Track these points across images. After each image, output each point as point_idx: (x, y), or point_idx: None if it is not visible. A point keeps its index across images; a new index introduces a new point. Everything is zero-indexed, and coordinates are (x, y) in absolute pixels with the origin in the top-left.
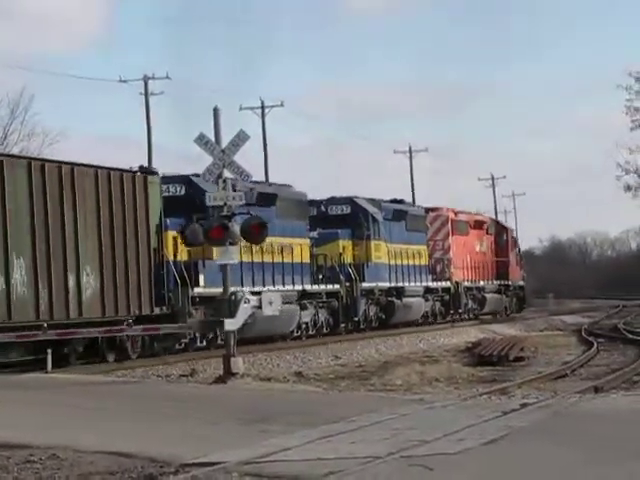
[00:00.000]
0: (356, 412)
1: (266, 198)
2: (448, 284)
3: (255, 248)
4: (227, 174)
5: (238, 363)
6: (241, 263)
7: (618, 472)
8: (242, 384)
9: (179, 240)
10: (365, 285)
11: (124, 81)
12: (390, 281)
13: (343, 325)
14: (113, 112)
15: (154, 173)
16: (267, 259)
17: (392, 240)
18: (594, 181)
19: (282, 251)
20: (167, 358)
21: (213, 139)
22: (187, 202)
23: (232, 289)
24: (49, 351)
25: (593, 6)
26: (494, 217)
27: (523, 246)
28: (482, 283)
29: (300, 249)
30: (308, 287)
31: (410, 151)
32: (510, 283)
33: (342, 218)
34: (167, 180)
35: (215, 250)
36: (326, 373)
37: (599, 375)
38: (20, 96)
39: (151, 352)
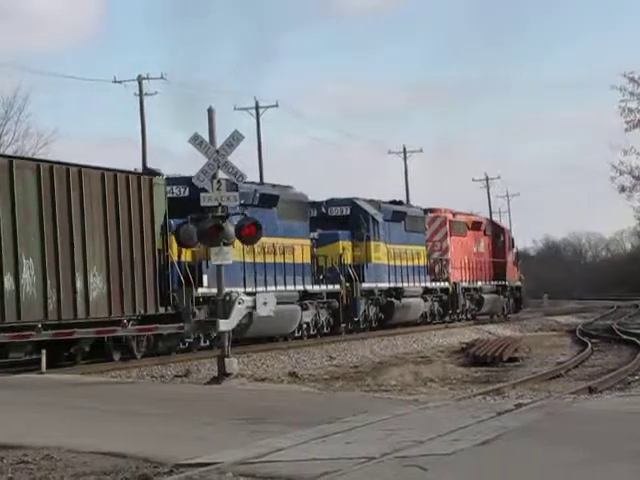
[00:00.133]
0: (350, 412)
1: (268, 199)
2: (446, 284)
3: (257, 249)
4: (222, 175)
5: (232, 364)
6: (244, 263)
7: (612, 472)
8: (236, 384)
9: None
10: (365, 285)
11: (119, 82)
12: (389, 282)
13: (343, 325)
14: (109, 112)
15: (159, 174)
16: (269, 259)
17: (391, 241)
18: (588, 182)
19: (284, 252)
20: (163, 358)
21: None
22: (191, 203)
23: (227, 289)
24: (43, 351)
25: (592, 7)
26: (489, 218)
27: (517, 247)
28: (480, 284)
29: (301, 250)
30: (309, 287)
31: (404, 152)
32: (507, 284)
33: (342, 219)
34: (171, 181)
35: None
36: (320, 374)
37: (593, 376)
38: (14, 96)
39: (156, 352)
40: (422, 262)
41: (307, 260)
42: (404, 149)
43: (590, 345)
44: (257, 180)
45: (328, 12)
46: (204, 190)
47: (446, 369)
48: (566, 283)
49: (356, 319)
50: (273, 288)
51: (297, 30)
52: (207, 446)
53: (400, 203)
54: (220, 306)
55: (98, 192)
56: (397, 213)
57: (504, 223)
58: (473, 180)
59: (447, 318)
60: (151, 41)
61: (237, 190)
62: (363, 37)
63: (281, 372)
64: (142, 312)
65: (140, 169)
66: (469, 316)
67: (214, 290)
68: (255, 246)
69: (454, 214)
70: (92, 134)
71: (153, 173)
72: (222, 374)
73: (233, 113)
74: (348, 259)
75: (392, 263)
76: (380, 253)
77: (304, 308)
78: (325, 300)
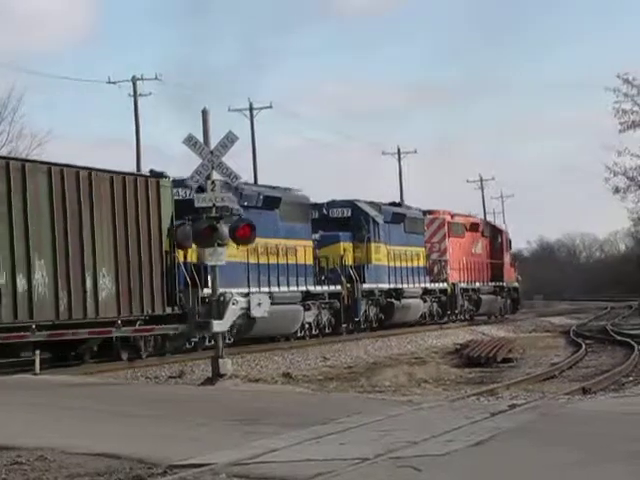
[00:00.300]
0: (344, 413)
1: (271, 201)
2: (445, 285)
3: (261, 249)
4: (216, 176)
5: (226, 365)
6: (247, 264)
7: (607, 473)
8: (230, 385)
9: None
10: (366, 286)
11: (113, 82)
12: (390, 282)
13: (344, 325)
14: (103, 113)
15: (165, 177)
16: (272, 260)
17: (391, 242)
18: (587, 182)
19: (286, 253)
20: (158, 359)
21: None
22: None
23: (221, 290)
24: (37, 352)
25: (592, 7)
26: (486, 219)
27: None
28: (478, 284)
29: (304, 251)
30: (311, 288)
31: (399, 153)
32: (505, 284)
33: (343, 221)
34: (177, 184)
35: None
36: (314, 374)
37: (587, 376)
38: (8, 97)
39: (162, 352)
40: (421, 263)
41: (309, 261)
42: (398, 150)
43: (584, 346)
44: (251, 181)
45: (328, 12)
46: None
47: (440, 370)
48: (560, 284)
49: (357, 319)
50: (276, 289)
51: (297, 30)
52: (201, 447)
53: (400, 205)
54: (214, 307)
55: (107, 194)
56: (397, 215)
57: (502, 224)
58: (467, 181)
59: (446, 319)
60: (147, 41)
61: (241, 192)
62: (363, 37)
63: (275, 373)
64: (149, 312)
65: (135, 170)
66: (467, 317)
67: (228, 290)
68: (259, 247)
69: (452, 216)
70: (86, 135)
71: (159, 175)
72: (216, 375)
73: (233, 114)
74: (349, 260)
75: (392, 264)
76: (380, 254)
77: (306, 308)
78: (327, 300)
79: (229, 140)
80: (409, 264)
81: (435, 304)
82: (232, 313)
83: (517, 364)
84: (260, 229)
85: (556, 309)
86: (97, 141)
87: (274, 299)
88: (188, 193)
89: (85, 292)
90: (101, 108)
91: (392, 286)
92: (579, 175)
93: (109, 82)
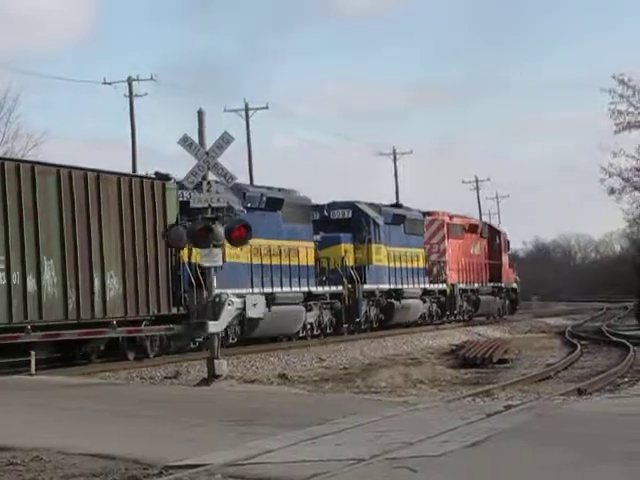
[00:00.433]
0: (340, 414)
1: (274, 203)
2: (444, 286)
3: (264, 251)
4: (211, 176)
5: (222, 365)
6: (251, 265)
7: (602, 474)
8: (226, 386)
9: None
10: (366, 287)
11: (108, 83)
12: (390, 283)
13: (346, 326)
14: (99, 113)
15: (170, 179)
16: (275, 261)
17: (392, 243)
18: (578, 183)
19: (289, 254)
20: (153, 360)
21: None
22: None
23: (224, 291)
24: (32, 353)
25: (592, 7)
26: (480, 219)
27: None
28: (476, 285)
29: (306, 252)
30: (313, 289)
31: (394, 153)
32: (503, 285)
33: (344, 222)
34: (182, 186)
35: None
36: (310, 375)
37: (583, 377)
38: (4, 97)
39: (168, 351)
40: (421, 264)
41: (311, 262)
42: (394, 151)
43: (579, 347)
44: (247, 182)
45: (328, 12)
46: None
47: (436, 371)
48: (555, 285)
49: (358, 320)
50: (279, 289)
51: (297, 30)
52: (196, 447)
53: (400, 206)
54: (210, 308)
55: (114, 196)
56: (397, 216)
57: (500, 226)
58: (463, 182)
59: (445, 319)
60: (147, 42)
61: (244, 194)
62: (363, 37)
63: (271, 374)
64: (156, 312)
65: (130, 170)
66: (466, 317)
67: (223, 291)
68: (262, 248)
69: (451, 217)
70: (82, 135)
71: (165, 178)
72: (212, 376)
73: (233, 114)
74: (350, 261)
75: (392, 265)
76: (381, 255)
77: (308, 309)
78: (328, 301)
79: (224, 141)
80: (409, 265)
81: (434, 305)
82: (228, 314)
83: (513, 365)
84: (263, 230)
85: (552, 310)
86: (93, 141)
87: (277, 300)
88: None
89: (93, 292)
90: (97, 108)
91: (392, 287)
92: (579, 175)
93: (105, 82)
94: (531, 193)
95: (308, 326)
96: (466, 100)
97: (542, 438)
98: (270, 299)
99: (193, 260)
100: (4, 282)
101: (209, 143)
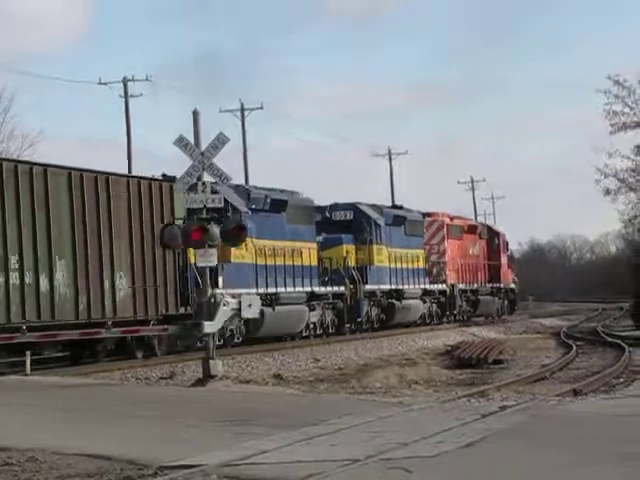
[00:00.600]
0: (335, 415)
1: (278, 204)
2: (444, 287)
3: (268, 251)
4: (207, 177)
5: (217, 366)
6: (256, 266)
7: (597, 475)
8: (221, 387)
9: None
10: (368, 287)
11: (104, 83)
12: (391, 284)
13: (348, 326)
14: (94, 114)
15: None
16: (279, 262)
17: (392, 244)
18: (573, 184)
19: (292, 254)
20: (148, 360)
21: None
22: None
23: (240, 291)
24: (27, 353)
25: (592, 7)
26: (477, 221)
27: None
28: (476, 286)
29: (309, 253)
30: (316, 289)
31: (389, 154)
32: (502, 286)
33: (346, 223)
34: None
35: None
36: (305, 376)
37: (578, 378)
38: (0, 97)
39: (175, 350)
40: (421, 265)
41: (314, 263)
42: (389, 151)
43: (575, 348)
44: (242, 183)
45: (328, 12)
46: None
47: (431, 371)
48: (551, 285)
49: (359, 319)
50: (283, 289)
51: (297, 30)
52: (191, 448)
53: (401, 207)
54: (205, 308)
55: (124, 198)
56: (398, 217)
57: (499, 227)
58: (458, 182)
59: (445, 319)
60: (145, 42)
61: (249, 195)
62: (363, 37)
63: (266, 374)
64: (164, 312)
65: (126, 171)
66: (465, 317)
67: (230, 291)
68: (265, 249)
69: (451, 218)
70: (77, 135)
71: (172, 180)
72: (207, 376)
73: (232, 114)
74: (352, 262)
75: (393, 266)
76: (382, 256)
77: (311, 309)
78: (331, 301)
79: (220, 141)
80: (409, 265)
81: (434, 305)
82: (223, 314)
83: (508, 365)
84: (267, 231)
85: (547, 311)
86: (88, 142)
87: (281, 299)
88: None
89: (103, 293)
90: (92, 109)
91: (393, 287)
92: (579, 175)
93: (100, 83)
94: (531, 193)
95: (311, 326)
96: (466, 100)
97: (537, 439)
98: (274, 299)
99: None
100: (18, 282)
101: (205, 144)
